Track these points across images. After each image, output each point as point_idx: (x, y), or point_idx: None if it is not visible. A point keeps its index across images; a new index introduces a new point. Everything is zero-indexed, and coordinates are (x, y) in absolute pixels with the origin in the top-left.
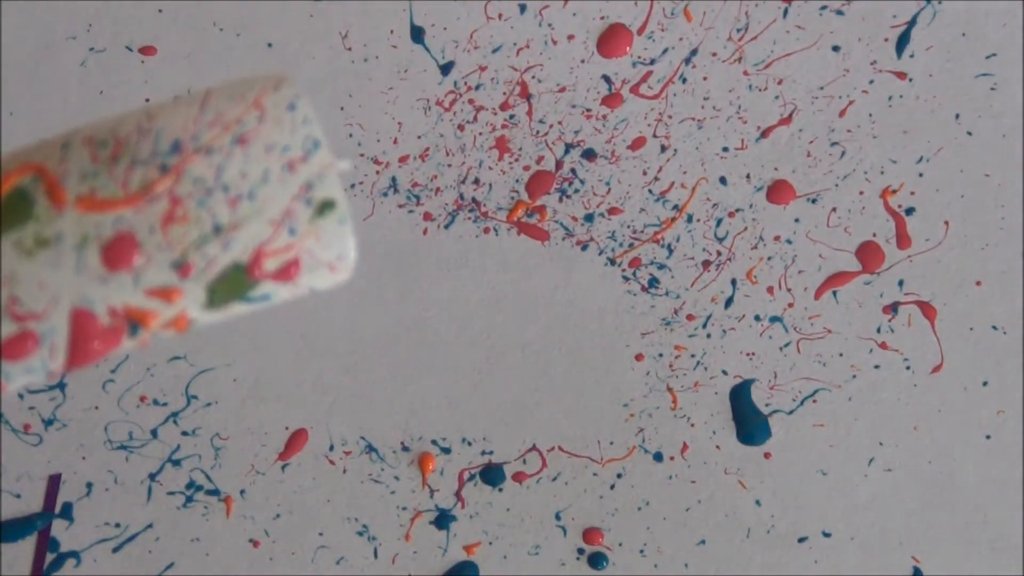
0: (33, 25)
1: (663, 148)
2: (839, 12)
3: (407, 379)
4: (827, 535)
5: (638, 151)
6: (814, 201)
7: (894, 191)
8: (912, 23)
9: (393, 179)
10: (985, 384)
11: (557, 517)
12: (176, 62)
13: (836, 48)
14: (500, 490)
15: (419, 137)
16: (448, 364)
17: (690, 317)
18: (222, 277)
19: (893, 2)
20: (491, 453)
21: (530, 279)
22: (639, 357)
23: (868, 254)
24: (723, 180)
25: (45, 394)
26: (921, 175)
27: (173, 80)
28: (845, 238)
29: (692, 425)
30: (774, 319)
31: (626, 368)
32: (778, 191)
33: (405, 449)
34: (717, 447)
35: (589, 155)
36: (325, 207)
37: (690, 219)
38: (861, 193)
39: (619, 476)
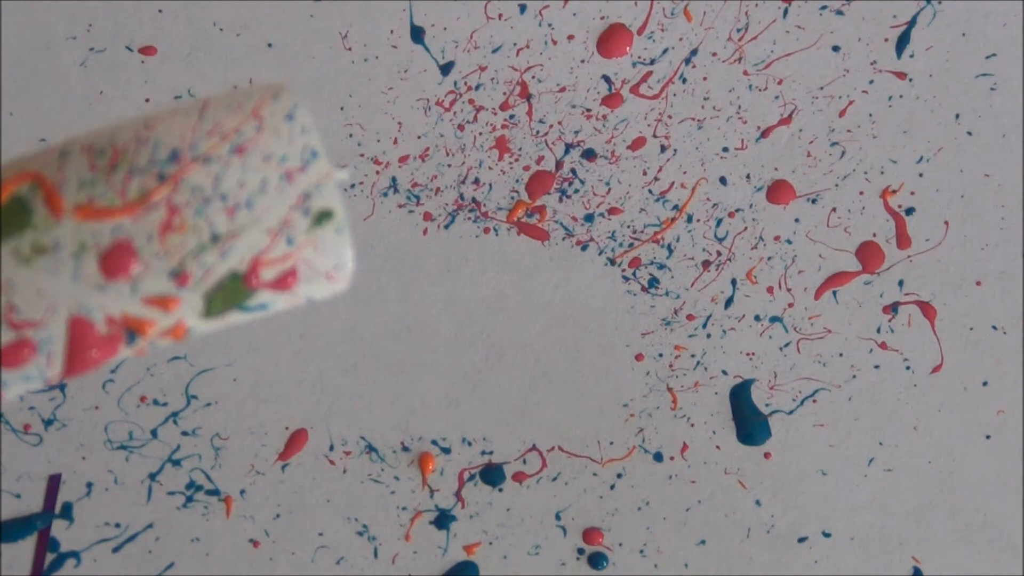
0: (33, 25)
1: (663, 148)
2: (839, 12)
3: (407, 379)
4: (827, 535)
5: (638, 151)
6: (814, 201)
7: (894, 191)
8: (912, 23)
9: (393, 179)
10: (985, 384)
11: (557, 517)
12: (176, 62)
13: (836, 48)
14: (500, 490)
15: (419, 137)
16: (448, 364)
17: (690, 317)
18: (219, 286)
19: (893, 2)
20: (491, 453)
21: (530, 279)
22: (639, 357)
23: (868, 254)
24: (723, 180)
25: (45, 394)
26: (921, 175)
27: (173, 80)
28: (845, 238)
29: (692, 425)
30: (774, 319)
31: (626, 368)
32: (778, 191)
33: (405, 449)
34: (717, 447)
35: (589, 155)
36: (323, 217)
37: (690, 219)
38: (861, 193)
39: (619, 476)
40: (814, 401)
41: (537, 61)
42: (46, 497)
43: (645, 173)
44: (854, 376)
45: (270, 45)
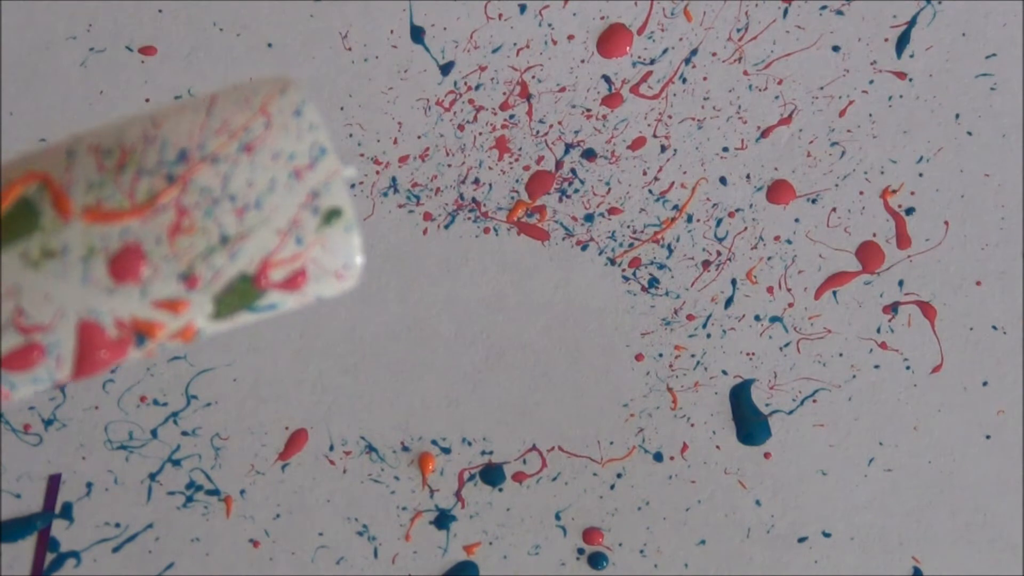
0: (33, 25)
1: (663, 148)
2: (839, 12)
3: (407, 379)
4: (827, 535)
5: (638, 151)
6: (814, 201)
7: (894, 191)
8: (912, 23)
9: (393, 179)
10: (985, 384)
11: (557, 517)
12: (176, 62)
13: (836, 48)
14: (500, 490)
15: (419, 137)
16: (448, 364)
17: (690, 317)
18: (229, 288)
19: (893, 2)
20: (491, 453)
21: (530, 279)
22: (639, 357)
23: (868, 254)
24: (723, 180)
25: (45, 394)
26: (921, 175)
27: (173, 80)
28: (845, 238)
29: (692, 425)
30: (774, 319)
31: (626, 368)
32: (778, 191)
33: (405, 449)
34: (717, 447)
35: (589, 155)
36: (332, 215)
37: (690, 219)
38: (861, 193)
39: (619, 476)
40: (814, 401)
41: (537, 61)
42: (46, 497)
43: (645, 173)
44: (854, 376)
45: (270, 45)
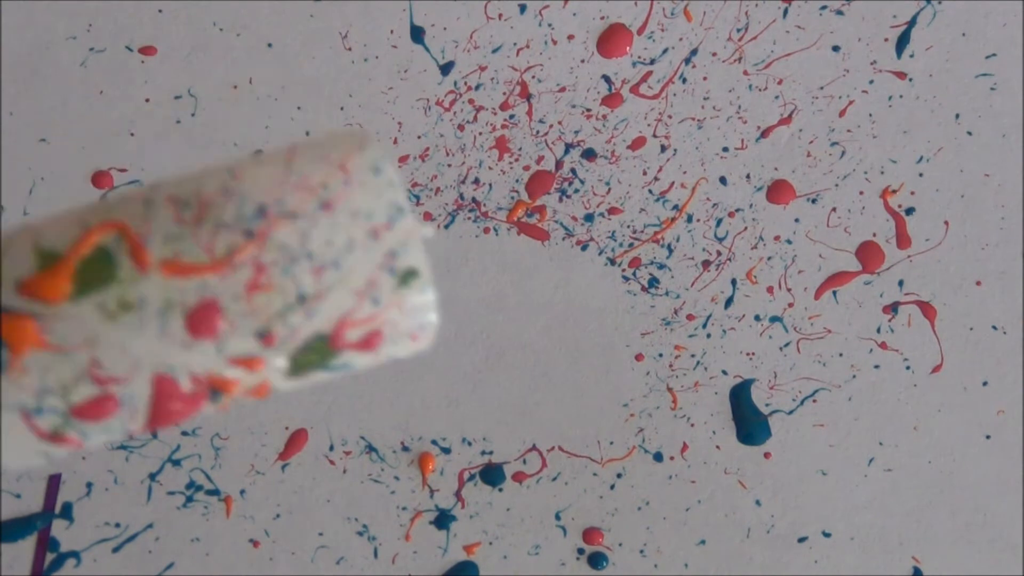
0: (33, 25)
1: (663, 148)
2: (839, 12)
3: (407, 379)
4: (827, 535)
5: (638, 151)
6: (814, 201)
7: (894, 191)
8: (912, 23)
9: None
10: (985, 384)
11: (557, 517)
12: (176, 62)
13: (836, 48)
14: (500, 490)
15: (419, 137)
16: (448, 364)
17: (690, 317)
18: (305, 347)
19: (893, 2)
20: (491, 453)
21: (530, 279)
22: (639, 357)
23: (868, 254)
24: (723, 180)
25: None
26: (921, 175)
27: (173, 80)
28: (845, 238)
29: (692, 425)
30: (774, 319)
31: (626, 368)
32: (778, 191)
33: (405, 449)
34: (717, 447)
35: (589, 155)
36: (408, 276)
37: (690, 219)
38: (861, 193)
39: (619, 476)
40: (814, 401)
41: (537, 61)
42: (46, 497)
43: (645, 173)
44: (854, 376)
45: (270, 45)
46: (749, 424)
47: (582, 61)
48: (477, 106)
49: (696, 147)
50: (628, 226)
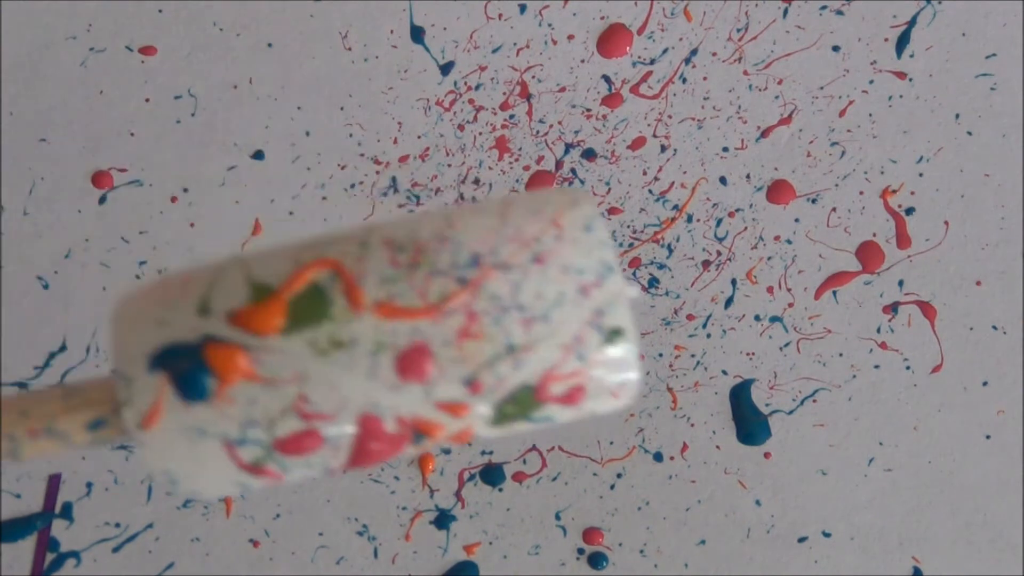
0: (33, 25)
1: (663, 148)
2: (839, 12)
3: None
4: (827, 535)
5: (638, 151)
6: (814, 201)
7: (894, 191)
8: (912, 23)
9: (393, 179)
10: (985, 384)
11: (557, 517)
12: (176, 62)
13: (836, 48)
14: (500, 490)
15: (419, 137)
16: None
17: (690, 317)
18: (510, 397)
19: (893, 2)
20: (491, 453)
21: None
22: (639, 357)
23: (868, 254)
24: (723, 180)
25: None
26: (921, 175)
27: (173, 80)
28: (845, 238)
29: (692, 425)
30: (774, 319)
31: None
32: (778, 191)
33: None
34: (717, 447)
35: (589, 155)
36: (614, 335)
37: (690, 219)
38: (861, 193)
39: (619, 476)
40: (814, 401)
41: (537, 61)
42: (46, 497)
43: (645, 173)
44: (854, 376)
45: (270, 45)
46: (749, 424)
47: (582, 61)
48: (477, 106)
49: (696, 147)
50: (628, 226)
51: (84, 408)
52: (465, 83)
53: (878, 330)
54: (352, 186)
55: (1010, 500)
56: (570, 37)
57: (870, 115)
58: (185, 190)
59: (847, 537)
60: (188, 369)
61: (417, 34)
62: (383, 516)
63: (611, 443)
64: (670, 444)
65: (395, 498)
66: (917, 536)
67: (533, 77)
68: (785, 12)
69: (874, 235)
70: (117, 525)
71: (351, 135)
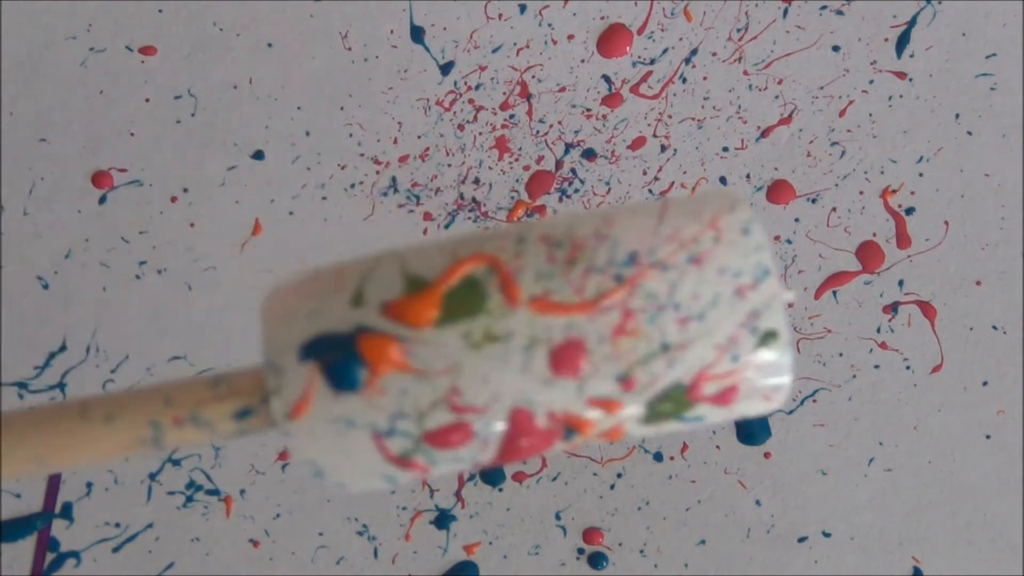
0: (33, 25)
1: (663, 148)
2: (839, 12)
3: None
4: (827, 535)
5: (638, 151)
6: (814, 201)
7: (894, 191)
8: (912, 23)
9: (393, 179)
10: (985, 384)
11: (557, 517)
12: (176, 62)
13: (836, 48)
14: (500, 490)
15: (419, 137)
16: None
17: None
18: (663, 395)
19: (893, 2)
20: None
21: None
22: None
23: (868, 254)
24: (723, 180)
25: (45, 394)
26: (921, 175)
27: (173, 80)
28: (845, 238)
29: None
30: None
31: None
32: (778, 191)
33: None
34: (717, 447)
35: (589, 155)
36: (768, 337)
37: None
38: (861, 193)
39: (619, 476)
40: (814, 401)
41: (537, 61)
42: (46, 497)
43: (645, 173)
44: (854, 376)
45: (270, 45)
46: (749, 424)
47: (582, 61)
48: (477, 106)
49: (696, 147)
50: None
51: (231, 397)
52: (465, 83)
53: (878, 330)
54: (352, 186)
55: (1010, 500)
56: (570, 37)
57: (870, 115)
58: (185, 190)
59: (847, 537)
60: (340, 359)
61: (417, 34)
62: (383, 516)
63: (611, 443)
64: (670, 444)
65: (395, 498)
66: (917, 536)
67: (533, 77)
68: (785, 12)
69: (874, 235)
70: (117, 525)
71: (351, 135)
